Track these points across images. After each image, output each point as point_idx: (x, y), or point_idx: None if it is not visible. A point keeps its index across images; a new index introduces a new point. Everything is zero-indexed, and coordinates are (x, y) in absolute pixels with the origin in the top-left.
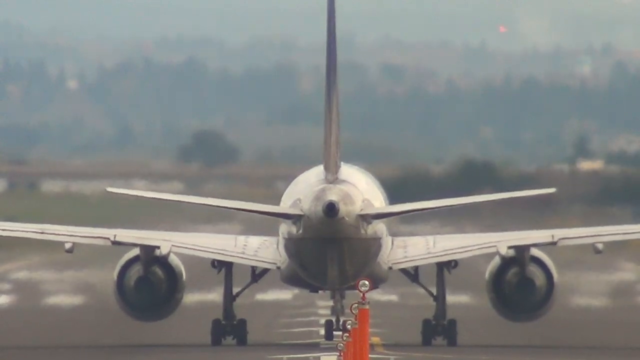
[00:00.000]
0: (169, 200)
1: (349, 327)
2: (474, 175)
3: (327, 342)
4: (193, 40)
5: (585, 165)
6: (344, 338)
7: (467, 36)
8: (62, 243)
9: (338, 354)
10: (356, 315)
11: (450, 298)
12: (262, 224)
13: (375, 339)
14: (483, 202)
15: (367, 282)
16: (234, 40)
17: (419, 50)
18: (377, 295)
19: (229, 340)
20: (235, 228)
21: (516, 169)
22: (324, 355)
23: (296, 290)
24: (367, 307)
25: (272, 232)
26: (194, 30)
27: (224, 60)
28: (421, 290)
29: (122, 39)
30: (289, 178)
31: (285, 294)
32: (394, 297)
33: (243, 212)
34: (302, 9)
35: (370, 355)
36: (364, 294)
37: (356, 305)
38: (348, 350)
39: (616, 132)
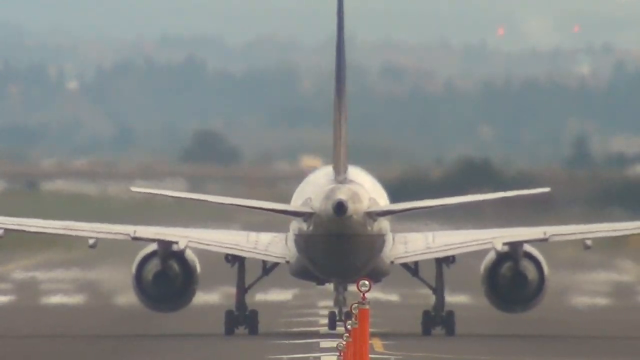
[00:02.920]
0: (192, 199)
1: (349, 327)
2: (473, 174)
3: (330, 331)
4: (193, 40)
5: (585, 165)
6: (344, 338)
7: (466, 36)
8: (62, 243)
9: (338, 354)
10: (356, 315)
11: (450, 298)
12: (259, 225)
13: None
14: (483, 202)
15: (367, 282)
16: (234, 40)
17: (419, 50)
18: (378, 295)
19: (242, 330)
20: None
21: (515, 168)
22: (324, 355)
23: (296, 290)
24: (367, 307)
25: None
26: (194, 30)
27: (224, 60)
28: (421, 291)
29: (122, 39)
30: (290, 179)
31: (285, 294)
32: (394, 297)
33: (243, 212)
34: (303, 9)
35: (370, 355)
36: (364, 294)
37: (356, 305)
38: (348, 350)
39: (616, 133)
